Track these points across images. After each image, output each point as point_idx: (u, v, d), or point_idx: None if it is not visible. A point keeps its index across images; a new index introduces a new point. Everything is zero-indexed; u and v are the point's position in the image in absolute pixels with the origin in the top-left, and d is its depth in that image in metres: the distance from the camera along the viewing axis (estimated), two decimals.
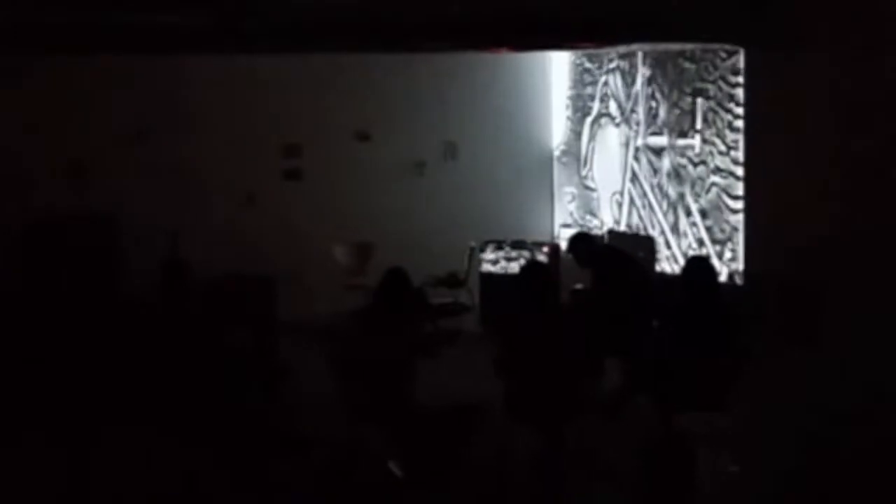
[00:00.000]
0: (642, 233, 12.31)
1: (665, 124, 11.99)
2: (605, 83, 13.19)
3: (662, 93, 12.01)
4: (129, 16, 8.74)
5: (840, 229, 9.05)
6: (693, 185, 11.49)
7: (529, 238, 13.10)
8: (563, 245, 13.40)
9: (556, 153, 14.30)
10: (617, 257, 10.29)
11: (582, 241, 10.12)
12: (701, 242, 11.34)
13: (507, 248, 12.73)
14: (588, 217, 13.65)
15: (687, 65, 11.54)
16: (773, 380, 8.70)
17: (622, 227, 12.83)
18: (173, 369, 8.86)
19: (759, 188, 10.33)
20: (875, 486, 7.32)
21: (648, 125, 12.33)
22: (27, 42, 9.85)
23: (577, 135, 13.85)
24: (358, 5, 8.88)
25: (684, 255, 11.34)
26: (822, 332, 8.96)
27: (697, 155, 11.40)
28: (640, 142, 12.53)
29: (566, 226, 14.05)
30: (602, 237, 12.59)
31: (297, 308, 11.58)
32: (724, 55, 10.87)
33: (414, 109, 13.45)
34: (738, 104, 10.66)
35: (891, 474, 7.43)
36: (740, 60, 10.60)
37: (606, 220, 13.22)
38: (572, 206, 14.01)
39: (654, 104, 12.19)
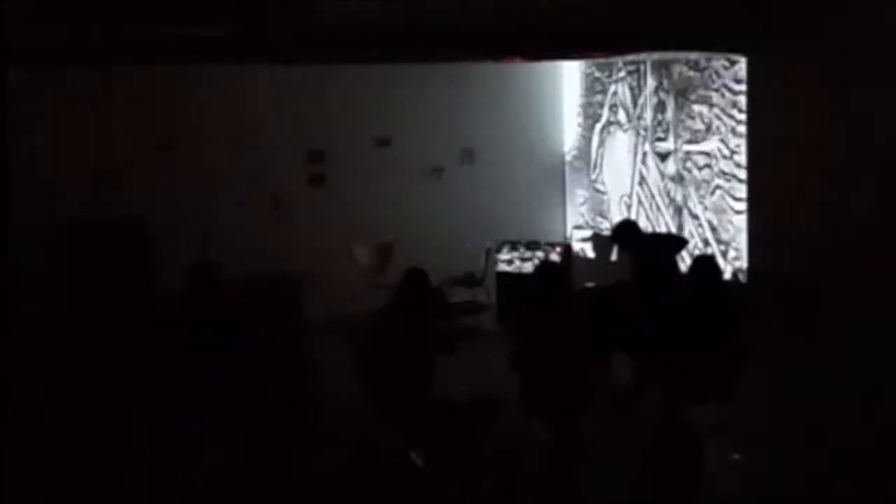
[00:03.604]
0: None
1: (671, 130, 12.02)
2: (615, 92, 13.21)
3: (669, 100, 12.03)
4: (162, 28, 8.79)
5: (840, 230, 9.02)
6: (698, 188, 11.51)
7: (543, 239, 13.16)
8: (576, 245, 13.59)
9: (568, 158, 14.34)
10: (661, 241, 10.65)
11: (628, 227, 10.25)
12: (706, 242, 11.39)
13: (522, 249, 12.78)
14: (598, 219, 13.67)
15: (692, 73, 11.53)
16: (775, 374, 8.75)
17: None
18: (205, 366, 8.97)
19: (762, 190, 10.27)
20: (875, 481, 7.37)
21: (655, 131, 12.37)
22: (66, 55, 9.90)
23: (588, 141, 13.87)
24: (379, 18, 8.89)
25: (690, 254, 11.14)
26: (823, 330, 8.92)
27: (702, 159, 11.43)
28: (647, 147, 12.56)
29: (578, 227, 14.15)
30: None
31: (322, 307, 11.63)
32: (727, 64, 10.86)
33: (432, 117, 13.52)
34: (740, 111, 10.63)
35: (891, 471, 7.48)
36: (743, 69, 10.55)
37: (616, 221, 12.66)
38: (583, 209, 14.05)
39: (660, 111, 12.21)
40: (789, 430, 8.19)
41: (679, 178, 11.96)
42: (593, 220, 13.89)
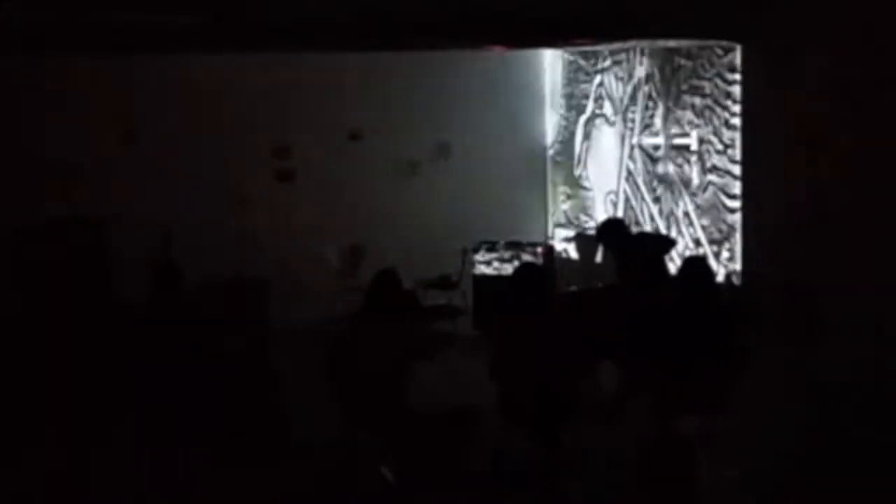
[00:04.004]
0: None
1: (661, 123, 12.00)
2: (601, 83, 13.24)
3: (658, 91, 12.04)
4: (119, 15, 8.62)
5: (838, 228, 9.07)
6: (689, 185, 11.49)
7: (524, 239, 12.98)
8: (558, 246, 13.70)
9: (551, 152, 14.32)
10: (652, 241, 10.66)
11: (614, 227, 10.23)
12: (698, 242, 11.37)
13: (501, 250, 12.63)
14: (583, 217, 13.66)
15: (683, 62, 11.56)
16: (771, 380, 8.69)
17: None
18: (165, 373, 8.68)
19: (757, 187, 10.32)
20: (875, 486, 7.33)
21: (644, 123, 12.35)
22: (19, 43, 9.78)
23: (572, 134, 13.90)
24: (349, 2, 8.76)
25: (681, 255, 11.28)
26: (820, 332, 8.99)
27: (694, 153, 11.43)
28: (635, 140, 12.58)
29: (561, 226, 14.07)
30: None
31: (290, 311, 11.55)
32: (720, 52, 10.90)
33: (406, 108, 13.34)
34: (734, 102, 10.70)
35: (891, 475, 7.45)
36: (737, 57, 10.62)
37: (601, 219, 12.95)
38: (567, 206, 14.01)
39: (649, 102, 12.22)
40: (786, 439, 8.16)
41: (669, 174, 11.93)
42: (577, 218, 13.85)
